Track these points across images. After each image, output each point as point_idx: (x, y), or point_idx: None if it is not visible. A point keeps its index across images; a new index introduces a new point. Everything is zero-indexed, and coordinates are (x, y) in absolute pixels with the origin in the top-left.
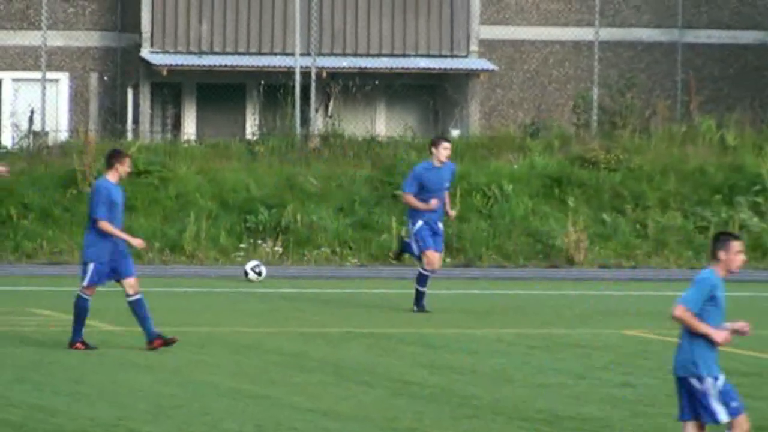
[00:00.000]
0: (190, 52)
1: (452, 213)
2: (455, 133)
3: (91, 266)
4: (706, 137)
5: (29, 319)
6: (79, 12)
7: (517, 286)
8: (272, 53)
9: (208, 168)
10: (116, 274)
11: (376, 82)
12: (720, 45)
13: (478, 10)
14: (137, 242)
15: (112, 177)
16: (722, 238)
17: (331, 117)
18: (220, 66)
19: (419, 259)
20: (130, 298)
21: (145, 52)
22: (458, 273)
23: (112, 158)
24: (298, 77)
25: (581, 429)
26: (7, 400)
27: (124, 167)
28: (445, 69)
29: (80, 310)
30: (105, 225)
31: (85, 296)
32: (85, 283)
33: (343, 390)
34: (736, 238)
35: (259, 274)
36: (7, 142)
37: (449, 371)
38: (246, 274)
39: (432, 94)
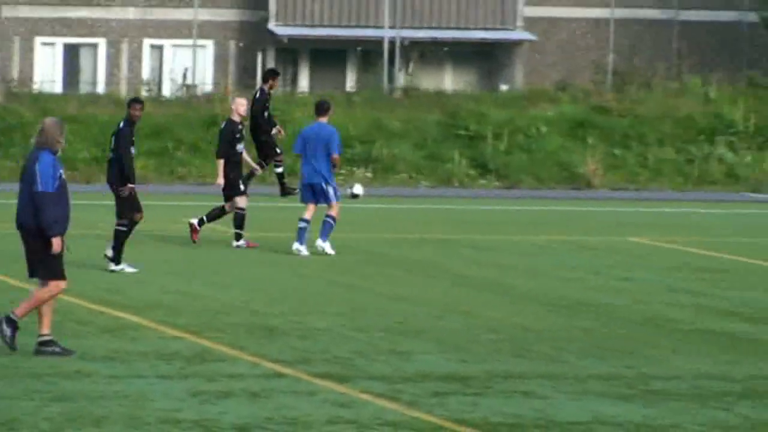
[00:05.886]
0: (305, 25)
1: None
2: (504, 88)
3: None
4: (693, 92)
5: (182, 226)
6: None
7: (548, 204)
8: (367, 26)
9: None
10: None
11: (445, 49)
12: (706, 22)
13: None
14: None
15: None
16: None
17: (410, 75)
18: (328, 36)
19: None
20: None
21: (271, 25)
22: (504, 193)
23: None
24: (386, 44)
25: (594, 312)
26: (162, 287)
27: None
28: (497, 39)
29: None
30: None
31: None
32: None
33: (415, 281)
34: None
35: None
36: (167, 92)
37: (495, 268)
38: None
39: (487, 58)
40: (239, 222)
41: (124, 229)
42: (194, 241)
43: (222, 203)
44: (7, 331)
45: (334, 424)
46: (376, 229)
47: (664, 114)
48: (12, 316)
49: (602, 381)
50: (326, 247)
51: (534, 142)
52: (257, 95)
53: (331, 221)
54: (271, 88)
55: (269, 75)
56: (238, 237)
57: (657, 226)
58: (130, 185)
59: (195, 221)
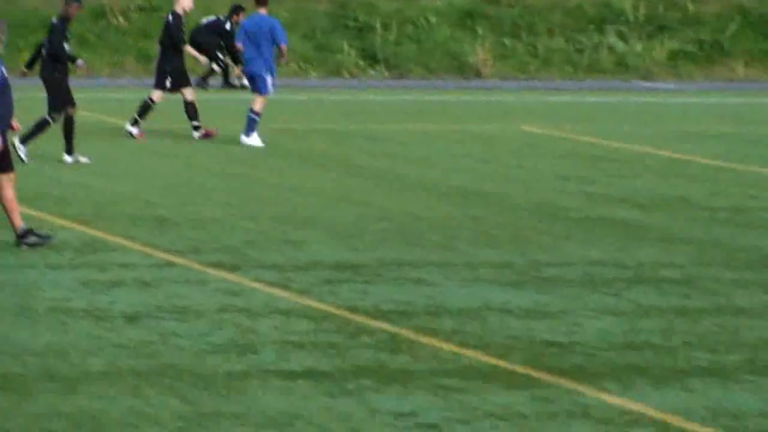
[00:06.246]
0: None
1: None
2: None
3: None
4: None
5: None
6: None
7: (438, 94)
8: None
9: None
10: None
11: None
12: None
13: None
14: None
15: None
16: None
17: None
18: None
19: None
20: None
21: None
22: (393, 83)
23: None
24: None
25: (485, 200)
26: (53, 178)
27: None
28: None
29: None
30: None
31: None
32: None
33: (306, 171)
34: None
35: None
36: None
37: (387, 157)
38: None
39: None
40: (142, 110)
41: (51, 122)
42: (212, 136)
43: (184, 100)
44: (31, 239)
45: (225, 313)
46: (266, 119)
47: (554, 4)
48: (19, 231)
49: (493, 268)
50: (250, 140)
51: (423, 33)
52: (228, 28)
53: (255, 116)
54: (236, 23)
55: (235, 12)
56: (134, 122)
57: (547, 115)
58: (79, 61)
59: (195, 133)
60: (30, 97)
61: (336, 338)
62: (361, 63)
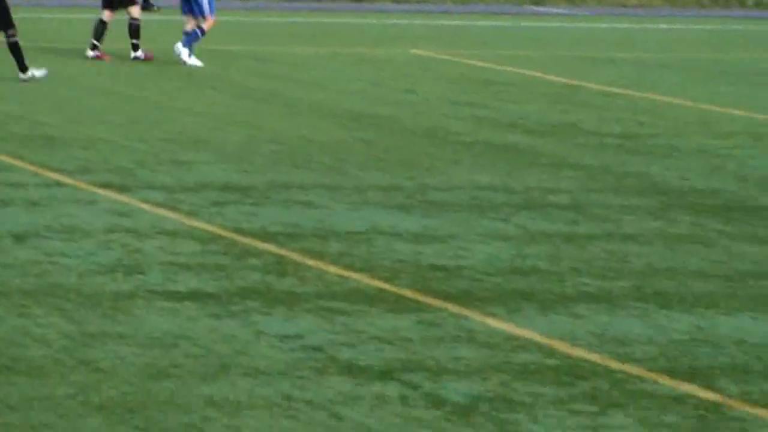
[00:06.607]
0: None
1: None
2: None
3: None
4: None
5: None
6: None
7: (330, 16)
8: None
9: None
10: None
11: None
12: None
13: None
14: None
15: None
16: None
17: None
18: None
19: None
20: None
21: None
22: (284, 6)
23: None
24: None
25: (375, 124)
26: None
27: None
28: None
29: None
30: None
31: None
32: None
33: (196, 93)
34: None
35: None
36: None
37: (277, 80)
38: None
39: None
40: (134, 33)
41: (16, 39)
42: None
43: (101, 18)
44: None
45: (112, 233)
46: (152, 40)
47: None
48: None
49: (381, 192)
50: (183, 53)
51: None
52: None
53: (199, 33)
54: None
55: None
56: (135, 47)
57: (439, 39)
58: None
59: (90, 52)
60: None
61: (223, 260)
62: None
